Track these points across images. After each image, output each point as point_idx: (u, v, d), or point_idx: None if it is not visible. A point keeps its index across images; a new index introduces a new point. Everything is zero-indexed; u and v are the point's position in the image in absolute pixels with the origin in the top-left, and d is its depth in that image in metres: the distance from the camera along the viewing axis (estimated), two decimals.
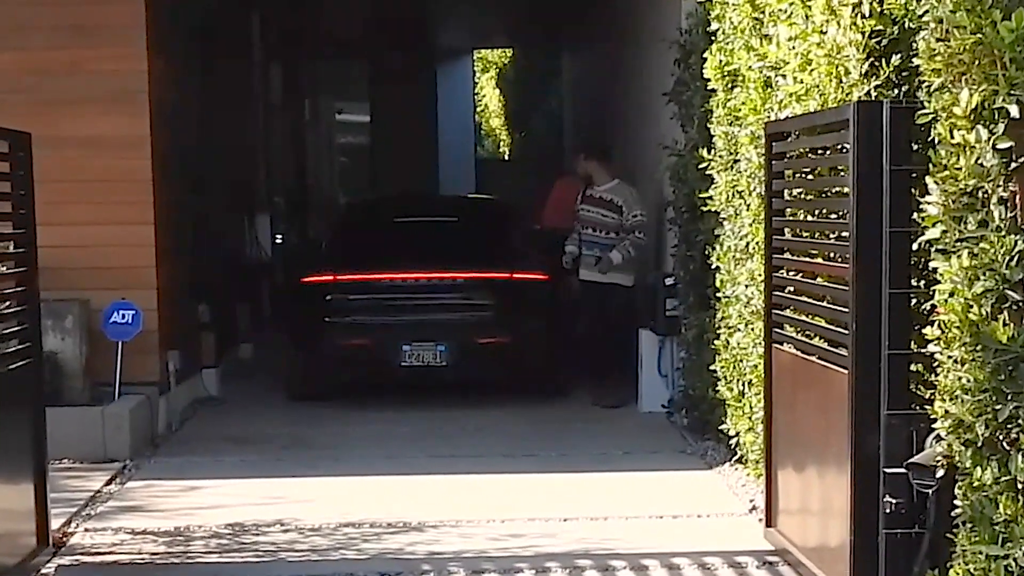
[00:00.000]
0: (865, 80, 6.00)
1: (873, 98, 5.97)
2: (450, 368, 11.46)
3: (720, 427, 9.18)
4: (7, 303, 7.14)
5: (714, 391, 9.27)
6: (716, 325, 9.14)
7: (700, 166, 9.05)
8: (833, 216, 6.53)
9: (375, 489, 8.87)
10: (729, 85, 8.50)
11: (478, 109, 31.65)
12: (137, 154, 10.49)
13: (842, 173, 6.23)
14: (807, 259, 6.73)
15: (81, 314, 10.12)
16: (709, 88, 8.86)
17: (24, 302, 7.15)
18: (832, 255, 6.45)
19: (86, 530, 7.94)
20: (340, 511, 8.22)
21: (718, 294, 9.01)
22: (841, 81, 6.23)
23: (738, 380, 8.67)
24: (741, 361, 8.54)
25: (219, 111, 13.78)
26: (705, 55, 8.84)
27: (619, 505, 8.31)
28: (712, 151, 8.93)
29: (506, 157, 32.87)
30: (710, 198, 8.94)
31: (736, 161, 8.45)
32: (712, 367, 9.10)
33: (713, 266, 8.97)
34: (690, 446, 9.96)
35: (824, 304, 6.33)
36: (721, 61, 8.48)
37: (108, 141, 10.40)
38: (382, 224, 12.74)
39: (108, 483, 9.10)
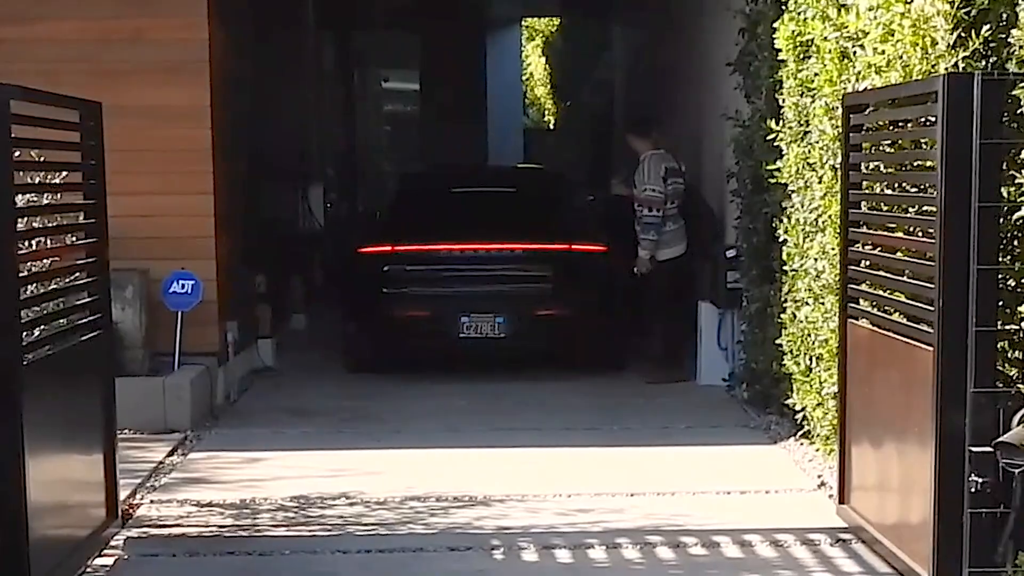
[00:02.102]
0: (953, 51, 5.89)
1: (960, 69, 5.86)
2: (508, 340, 11.41)
3: (784, 402, 9.10)
4: (77, 274, 7.12)
5: (779, 365, 9.18)
6: (782, 298, 9.04)
7: (768, 137, 8.92)
8: (913, 190, 6.44)
9: (438, 462, 8.83)
10: (801, 56, 8.37)
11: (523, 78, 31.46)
12: (197, 124, 10.46)
13: (925, 146, 6.14)
14: (887, 233, 6.62)
15: (141, 284, 10.08)
16: (779, 59, 8.73)
17: (94, 273, 7.12)
18: (913, 230, 6.34)
19: (152, 502, 7.92)
20: (405, 484, 8.18)
21: (784, 267, 8.90)
22: (927, 52, 6.11)
23: (805, 354, 8.56)
24: (809, 335, 8.44)
25: (274, 81, 13.75)
26: (775, 25, 8.70)
27: (685, 480, 8.24)
28: (780, 122, 8.81)
29: (551, 127, 32.72)
30: (777, 170, 8.81)
31: (807, 133, 8.33)
32: (778, 341, 8.99)
33: (780, 239, 8.86)
34: (752, 420, 9.88)
35: (907, 279, 6.22)
36: (793, 31, 8.34)
37: (169, 111, 10.36)
38: (439, 194, 12.64)
39: (170, 454, 9.08)
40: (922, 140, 6.15)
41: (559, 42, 30.23)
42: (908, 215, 6.38)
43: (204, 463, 8.87)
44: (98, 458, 7.14)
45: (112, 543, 7.11)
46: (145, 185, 10.25)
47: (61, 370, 6.54)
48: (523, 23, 27.94)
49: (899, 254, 6.46)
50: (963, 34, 5.86)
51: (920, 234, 6.26)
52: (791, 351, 8.79)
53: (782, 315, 8.97)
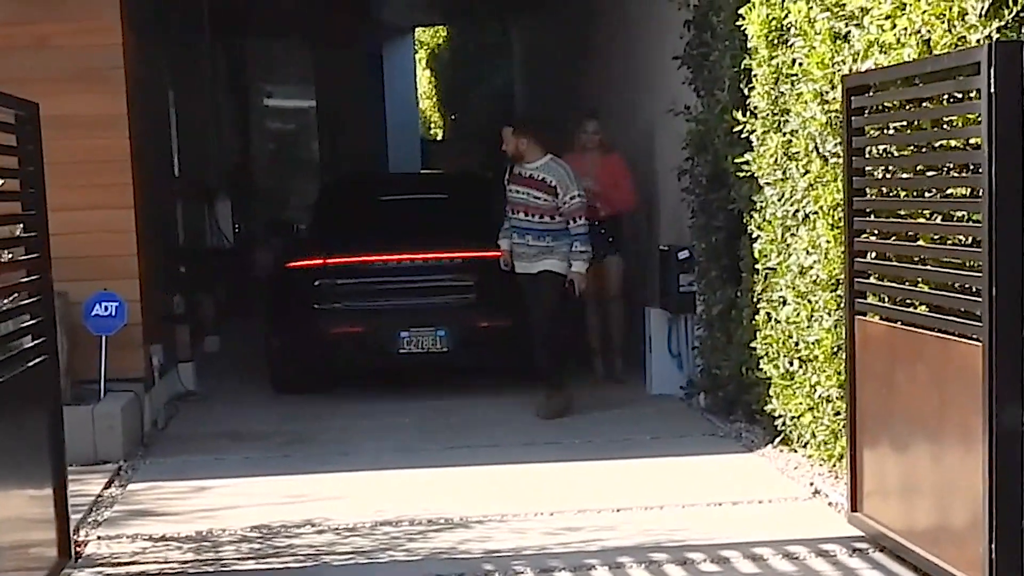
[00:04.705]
0: (986, 21, 5.50)
1: (997, 40, 5.46)
2: (451, 354, 10.84)
3: (756, 408, 8.70)
4: (15, 295, 6.47)
5: (749, 370, 8.76)
6: (753, 299, 8.61)
7: (735, 130, 8.49)
8: (931, 173, 6.04)
9: (399, 484, 8.27)
10: (776, 41, 7.95)
11: None
12: (115, 133, 9.82)
13: (952, 125, 5.75)
14: (905, 220, 6.21)
15: (60, 307, 9.26)
16: (746, 47, 8.32)
17: (37, 292, 6.48)
18: (931, 215, 5.95)
19: (99, 538, 7.27)
20: (371, 508, 7.62)
21: (756, 265, 8.48)
22: (953, 25, 5.71)
23: (786, 357, 8.15)
24: (791, 336, 8.02)
25: (178, 92, 13.11)
26: (740, 11, 8.29)
27: (669, 493, 7.78)
28: (748, 114, 8.39)
29: (440, 138, 32.26)
30: (747, 163, 8.40)
31: (784, 122, 7.91)
32: (751, 344, 8.56)
33: (752, 235, 8.43)
34: (719, 428, 9.45)
35: (941, 270, 5.81)
36: (767, 15, 7.93)
37: (83, 120, 9.68)
38: (369, 204, 12.05)
39: (107, 486, 8.42)
40: (948, 118, 5.74)
41: (446, 53, 29.80)
42: (931, 199, 5.98)
43: (146, 494, 8.22)
44: (48, 493, 6.50)
45: None
46: (60, 200, 9.18)
47: (8, 400, 5.89)
48: (415, 34, 27.39)
49: (921, 241, 6.05)
50: (996, 2, 5.46)
51: (941, 219, 5.89)
52: (768, 354, 8.37)
53: (755, 317, 8.54)
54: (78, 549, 7.03)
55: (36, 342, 6.44)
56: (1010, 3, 5.41)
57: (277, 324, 11.47)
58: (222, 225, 14.92)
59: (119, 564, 6.82)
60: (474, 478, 8.36)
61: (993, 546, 5.33)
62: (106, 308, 9.62)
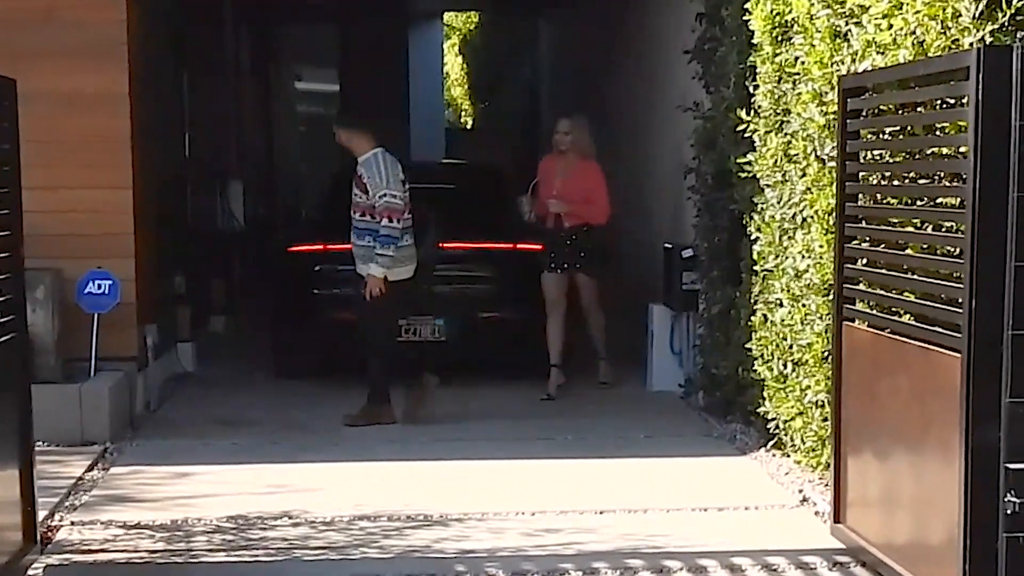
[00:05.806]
0: (979, 23, 5.31)
1: (987, 43, 5.28)
2: (449, 343, 10.70)
3: (753, 409, 8.53)
4: None
5: (746, 371, 8.60)
6: (751, 300, 8.44)
7: (738, 129, 8.32)
8: (923, 180, 5.87)
9: (384, 476, 8.15)
10: (779, 38, 7.77)
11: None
12: (115, 112, 9.66)
13: (945, 131, 5.57)
14: (894, 228, 6.04)
15: (53, 284, 9.30)
16: (752, 43, 8.14)
17: (7, 270, 6.36)
18: (922, 224, 5.78)
19: (72, 524, 7.16)
20: (351, 502, 7.49)
21: (755, 267, 8.32)
22: (947, 26, 5.53)
23: (779, 360, 7.98)
24: (785, 339, 7.86)
25: (192, 73, 12.99)
26: (747, 6, 8.11)
27: (655, 496, 7.63)
28: (752, 112, 8.22)
29: (469, 126, 32.09)
30: (749, 163, 8.23)
31: (786, 122, 7.73)
32: (747, 345, 8.40)
33: (752, 237, 8.26)
34: (715, 429, 9.29)
35: (925, 279, 5.63)
36: (772, 11, 7.75)
37: (84, 97, 9.56)
38: None
39: (90, 469, 8.31)
40: (941, 124, 5.56)
41: (478, 40, 29.64)
42: (921, 207, 5.81)
43: (127, 479, 8.12)
44: (13, 475, 6.38)
45: (30, 572, 6.35)
46: (58, 178, 9.42)
47: None
48: (443, 19, 27.20)
49: (909, 250, 5.87)
50: (992, 4, 5.28)
51: (932, 229, 5.72)
52: (762, 356, 8.20)
53: (752, 318, 8.37)
54: (49, 534, 6.94)
55: (4, 319, 6.32)
56: (1004, 5, 5.22)
57: (277, 308, 11.36)
58: (234, 208, 14.79)
59: (88, 551, 6.71)
60: (460, 473, 8.24)
61: (967, 566, 5.16)
62: (99, 286, 9.51)
